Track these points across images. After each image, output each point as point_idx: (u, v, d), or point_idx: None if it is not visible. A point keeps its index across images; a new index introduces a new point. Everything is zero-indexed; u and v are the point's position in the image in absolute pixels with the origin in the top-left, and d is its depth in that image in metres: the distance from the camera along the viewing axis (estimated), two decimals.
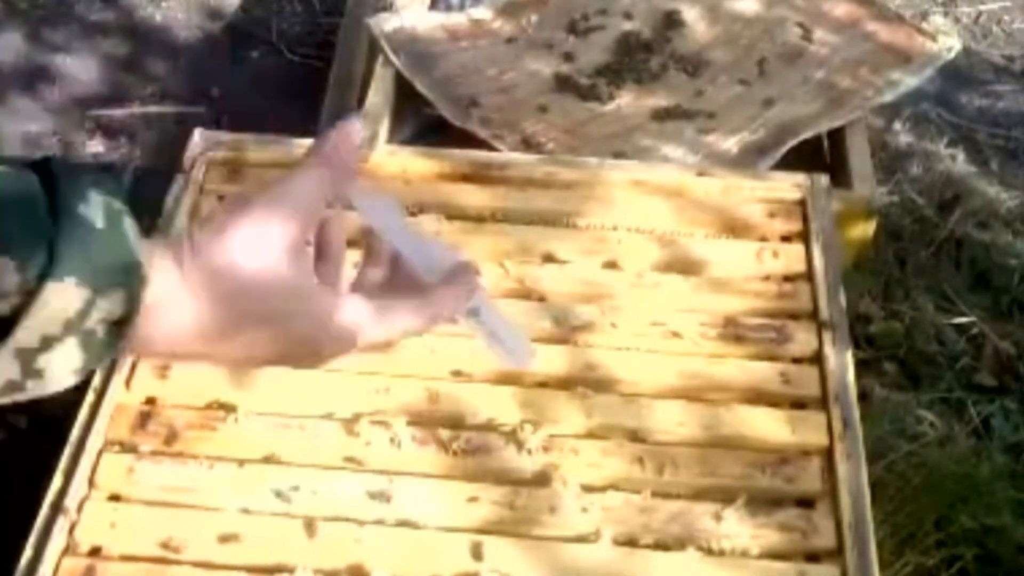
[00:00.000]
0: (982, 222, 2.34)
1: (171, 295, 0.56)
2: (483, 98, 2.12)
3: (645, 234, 1.55)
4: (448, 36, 2.26)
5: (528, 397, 1.35)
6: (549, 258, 1.52)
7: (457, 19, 2.30)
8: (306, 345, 0.61)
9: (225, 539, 1.24)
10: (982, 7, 2.93)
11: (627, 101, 2.15)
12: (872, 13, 2.30)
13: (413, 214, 1.54)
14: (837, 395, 1.36)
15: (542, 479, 1.29)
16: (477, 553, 1.23)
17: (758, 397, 1.38)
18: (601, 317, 1.44)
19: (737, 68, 2.22)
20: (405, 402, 1.35)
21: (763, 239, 1.55)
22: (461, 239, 1.50)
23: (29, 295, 0.51)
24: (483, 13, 2.32)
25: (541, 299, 1.47)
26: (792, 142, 2.02)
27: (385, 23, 2.22)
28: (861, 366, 1.65)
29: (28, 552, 1.23)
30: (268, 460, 1.32)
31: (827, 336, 1.42)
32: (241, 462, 1.31)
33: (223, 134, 1.64)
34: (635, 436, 1.33)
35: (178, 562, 1.22)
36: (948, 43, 2.23)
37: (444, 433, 1.32)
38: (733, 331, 1.43)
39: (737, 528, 1.25)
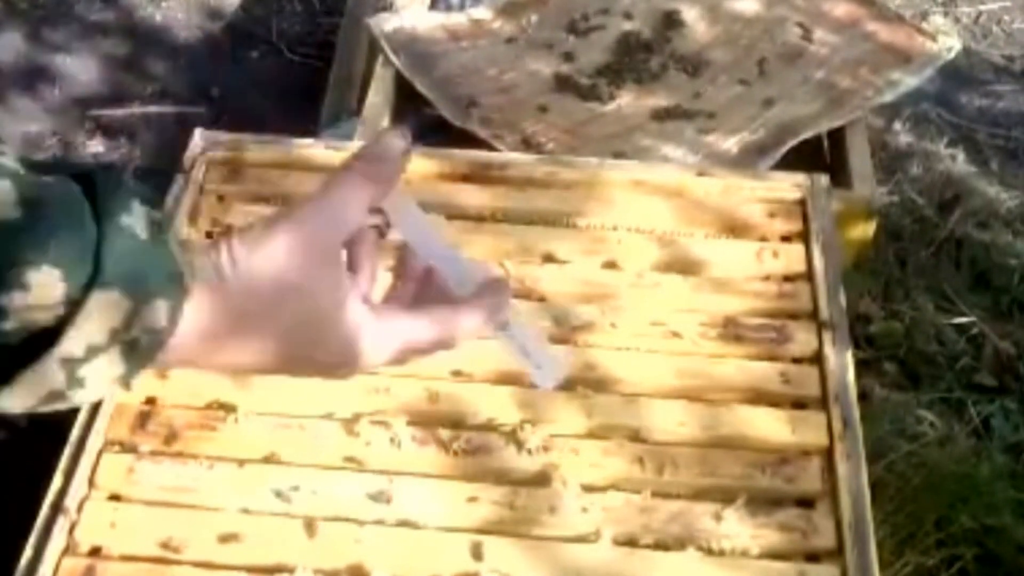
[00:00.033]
0: (982, 222, 2.34)
1: (211, 306, 0.57)
2: (483, 98, 2.12)
3: (645, 234, 1.55)
4: (448, 36, 2.26)
5: (528, 397, 1.35)
6: (549, 258, 1.52)
7: (457, 19, 2.30)
8: (341, 357, 0.61)
9: (225, 539, 1.24)
10: (982, 7, 2.93)
11: (627, 101, 2.15)
12: (872, 13, 2.30)
13: None
14: (837, 395, 1.36)
15: (542, 479, 1.29)
16: (477, 553, 1.23)
17: (758, 397, 1.38)
18: (601, 317, 1.44)
19: (737, 68, 2.22)
20: (405, 402, 1.35)
21: (763, 239, 1.55)
22: (461, 239, 1.50)
23: (74, 305, 0.52)
24: (483, 13, 2.32)
25: (541, 299, 1.47)
26: (792, 142, 2.03)
27: (385, 23, 2.22)
28: (861, 366, 1.65)
29: (28, 552, 1.23)
30: (268, 460, 1.32)
31: (827, 336, 1.42)
32: (241, 462, 1.31)
33: (223, 134, 1.64)
34: (635, 436, 1.33)
35: (178, 562, 1.22)
36: (948, 43, 2.23)
37: (444, 433, 1.32)
38: (733, 331, 1.43)
39: (737, 528, 1.25)
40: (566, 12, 2.33)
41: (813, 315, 1.45)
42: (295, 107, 2.58)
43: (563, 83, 2.17)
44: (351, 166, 0.62)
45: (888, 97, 2.15)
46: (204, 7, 2.94)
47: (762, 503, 1.28)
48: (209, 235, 1.53)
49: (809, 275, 1.49)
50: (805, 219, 1.56)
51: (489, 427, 1.34)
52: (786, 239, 1.55)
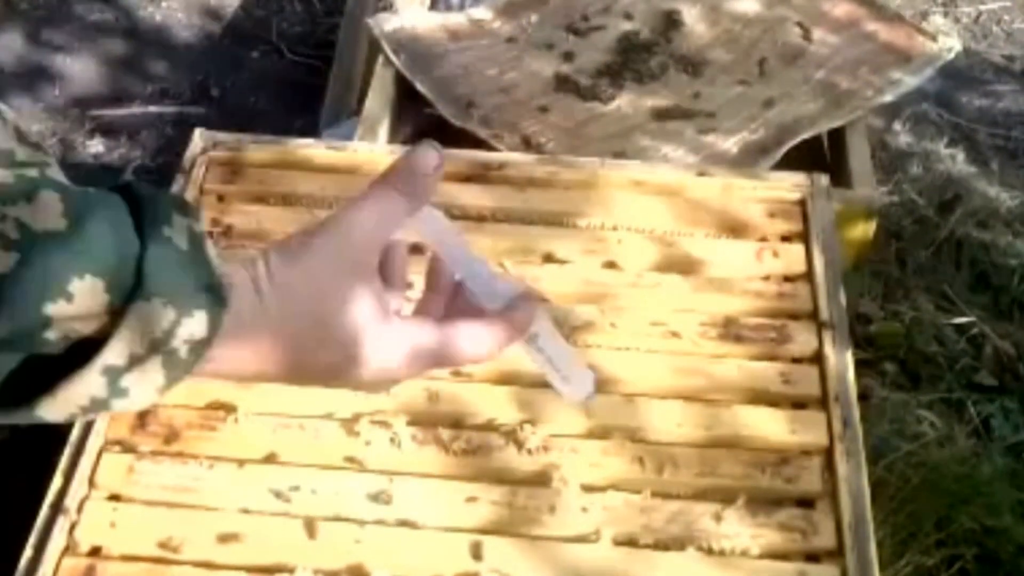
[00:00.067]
0: (982, 222, 2.34)
1: (248, 318, 0.58)
2: (483, 98, 2.12)
3: (645, 234, 1.55)
4: (448, 36, 2.26)
5: (528, 397, 1.35)
6: (549, 258, 1.52)
7: (457, 19, 2.30)
8: (373, 371, 0.62)
9: (225, 539, 1.24)
10: (982, 7, 2.93)
11: (627, 101, 2.15)
12: (872, 13, 2.30)
13: None
14: (837, 395, 1.36)
15: (542, 479, 1.29)
16: (477, 553, 1.23)
17: (758, 397, 1.38)
18: (601, 317, 1.44)
19: (737, 68, 2.22)
20: (405, 402, 1.35)
21: (763, 239, 1.55)
22: None
23: (117, 315, 0.53)
24: (483, 13, 2.32)
25: (541, 299, 1.47)
26: (792, 142, 2.03)
27: (385, 23, 2.22)
28: (861, 366, 1.65)
29: (28, 552, 1.23)
30: (268, 460, 1.32)
31: (827, 336, 1.42)
32: (241, 462, 1.31)
33: (223, 134, 1.64)
34: (635, 436, 1.33)
35: (178, 562, 1.22)
36: (948, 43, 2.23)
37: (444, 433, 1.32)
38: (733, 331, 1.43)
39: (737, 528, 1.25)
40: (566, 12, 2.33)
41: (813, 315, 1.45)
42: (295, 107, 2.58)
43: (563, 83, 2.17)
44: (386, 181, 0.62)
45: (888, 97, 2.15)
46: (204, 7, 2.94)
47: (762, 503, 1.28)
48: (209, 235, 1.53)
49: (809, 275, 1.49)
50: (805, 219, 1.56)
51: (489, 427, 1.34)
52: (786, 239, 1.55)
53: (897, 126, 2.53)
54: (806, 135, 2.04)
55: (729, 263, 1.52)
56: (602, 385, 1.38)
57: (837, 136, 2.08)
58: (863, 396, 1.52)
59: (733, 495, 1.28)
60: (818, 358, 1.41)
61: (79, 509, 1.26)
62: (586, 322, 1.43)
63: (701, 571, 1.23)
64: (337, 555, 1.23)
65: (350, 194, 1.79)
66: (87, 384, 0.53)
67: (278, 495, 1.28)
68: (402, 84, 2.13)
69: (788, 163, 1.92)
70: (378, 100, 2.09)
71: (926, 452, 1.90)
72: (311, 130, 2.32)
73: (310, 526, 1.24)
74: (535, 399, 1.35)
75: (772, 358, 1.41)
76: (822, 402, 1.37)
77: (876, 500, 1.32)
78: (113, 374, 0.53)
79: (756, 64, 2.21)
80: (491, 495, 1.28)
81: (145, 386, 0.55)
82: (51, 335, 0.52)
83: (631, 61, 2.22)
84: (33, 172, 0.52)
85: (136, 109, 2.68)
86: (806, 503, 1.29)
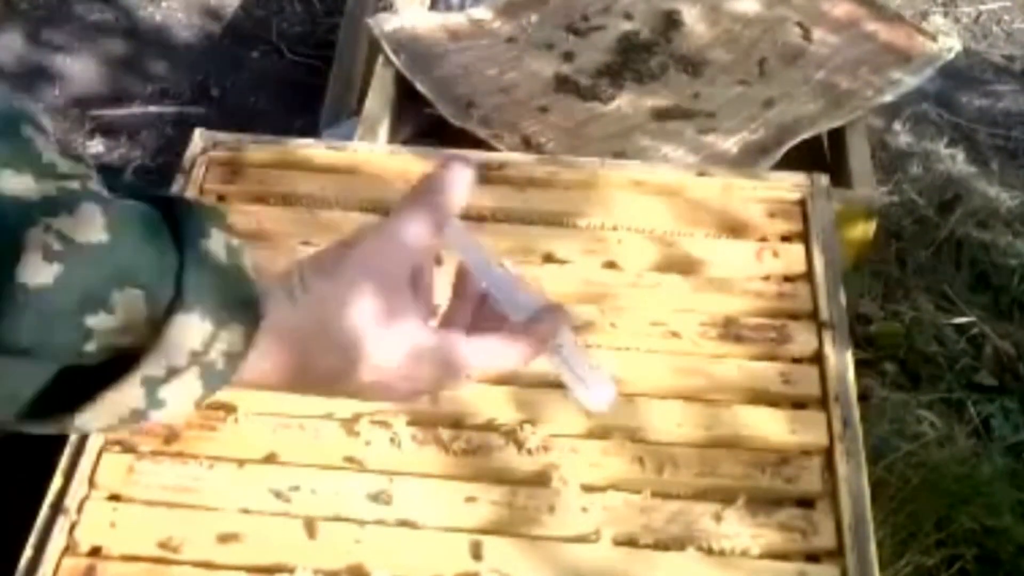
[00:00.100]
0: (982, 222, 2.34)
1: (284, 331, 0.58)
2: (483, 98, 2.12)
3: (645, 234, 1.55)
4: (448, 36, 2.26)
5: (528, 397, 1.35)
6: (549, 258, 1.52)
7: (457, 19, 2.30)
8: (407, 382, 0.62)
9: (225, 539, 1.24)
10: (982, 7, 2.93)
11: (627, 101, 2.15)
12: (872, 13, 2.30)
13: None
14: (837, 395, 1.36)
15: (542, 479, 1.29)
16: (477, 553, 1.23)
17: (758, 397, 1.38)
18: (601, 317, 1.44)
19: (737, 68, 2.22)
20: None
21: (763, 239, 1.55)
22: None
23: (156, 327, 0.53)
24: (483, 13, 2.32)
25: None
26: (792, 142, 2.03)
27: (385, 23, 2.22)
28: (861, 366, 1.65)
29: (28, 552, 1.23)
30: (268, 460, 1.32)
31: (827, 336, 1.42)
32: (241, 462, 1.31)
33: (223, 134, 1.64)
34: (635, 436, 1.33)
35: (178, 562, 1.23)
36: (948, 43, 2.23)
37: (444, 433, 1.32)
38: (733, 331, 1.43)
39: (737, 528, 1.25)
40: (566, 12, 2.33)
41: (813, 315, 1.45)
42: (295, 107, 2.58)
43: (563, 83, 2.17)
44: (419, 197, 0.63)
45: (888, 97, 2.15)
46: (204, 7, 2.94)
47: (762, 503, 1.28)
48: None
49: (809, 275, 1.49)
50: (805, 219, 1.56)
51: (489, 427, 1.34)
52: (786, 239, 1.55)
53: (897, 126, 2.53)
54: (806, 135, 2.04)
55: (729, 263, 1.52)
56: None
57: (837, 136, 2.08)
58: (863, 396, 1.52)
59: (733, 495, 1.28)
60: (818, 358, 1.41)
61: (79, 509, 1.26)
62: (586, 322, 1.43)
63: (701, 571, 1.23)
64: (337, 555, 1.23)
65: (350, 194, 1.78)
66: (127, 395, 0.54)
67: (278, 495, 1.28)
68: (402, 84, 2.13)
69: (788, 163, 1.92)
70: (378, 100, 2.09)
71: (926, 452, 1.90)
72: (311, 130, 2.32)
73: (310, 526, 1.25)
74: (535, 399, 1.35)
75: (772, 358, 1.41)
76: (822, 402, 1.37)
77: (876, 500, 1.32)
78: (152, 385, 0.54)
79: (756, 64, 2.21)
80: (491, 495, 1.28)
81: (183, 397, 0.55)
82: (91, 347, 0.52)
83: (631, 61, 2.22)
84: (75, 184, 0.53)
85: (136, 109, 2.68)
86: (806, 503, 1.29)
